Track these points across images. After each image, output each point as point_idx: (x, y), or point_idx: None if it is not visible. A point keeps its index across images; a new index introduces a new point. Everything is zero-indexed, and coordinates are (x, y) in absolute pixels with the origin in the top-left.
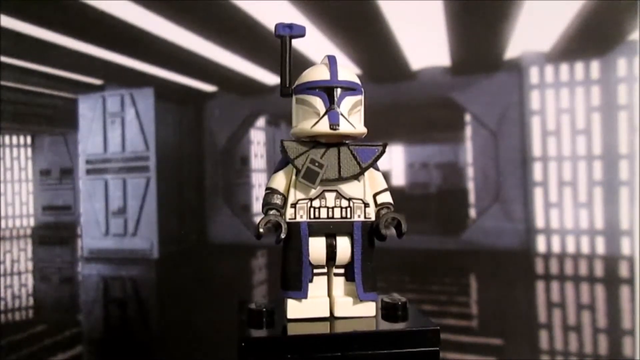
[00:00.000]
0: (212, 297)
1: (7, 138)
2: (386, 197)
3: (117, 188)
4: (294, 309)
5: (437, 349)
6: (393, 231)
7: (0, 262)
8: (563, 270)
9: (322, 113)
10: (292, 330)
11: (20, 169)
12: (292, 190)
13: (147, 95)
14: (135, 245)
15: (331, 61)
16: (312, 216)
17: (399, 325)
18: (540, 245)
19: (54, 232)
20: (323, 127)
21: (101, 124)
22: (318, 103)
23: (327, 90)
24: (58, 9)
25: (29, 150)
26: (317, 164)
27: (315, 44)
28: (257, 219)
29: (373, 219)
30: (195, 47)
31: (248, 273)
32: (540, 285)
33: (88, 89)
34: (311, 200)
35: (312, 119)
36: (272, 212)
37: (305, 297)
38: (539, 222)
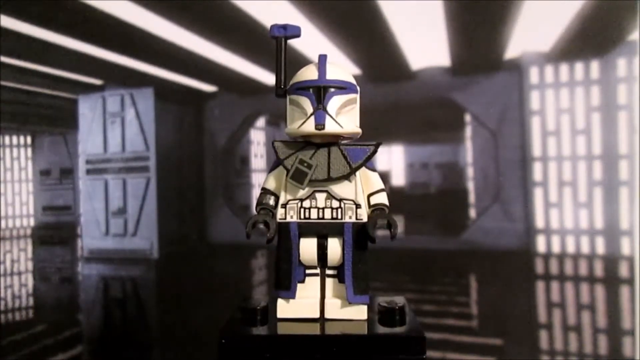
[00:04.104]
0: (212, 297)
1: (7, 138)
2: (380, 198)
3: (117, 188)
4: (283, 308)
5: (423, 357)
6: (388, 232)
7: (0, 262)
8: (563, 270)
9: (309, 113)
10: (280, 329)
11: (20, 169)
12: (282, 191)
13: (147, 95)
14: (135, 245)
15: (320, 61)
16: (302, 217)
17: (386, 330)
18: (540, 245)
19: (54, 232)
20: (309, 127)
21: (101, 124)
22: (306, 103)
23: (315, 90)
24: (58, 9)
25: (29, 150)
26: (305, 165)
27: (315, 44)
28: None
29: (365, 220)
30: (195, 47)
31: (248, 273)
32: (540, 285)
33: (88, 89)
34: (301, 200)
35: (301, 119)
36: (262, 212)
37: (294, 297)
38: (539, 222)
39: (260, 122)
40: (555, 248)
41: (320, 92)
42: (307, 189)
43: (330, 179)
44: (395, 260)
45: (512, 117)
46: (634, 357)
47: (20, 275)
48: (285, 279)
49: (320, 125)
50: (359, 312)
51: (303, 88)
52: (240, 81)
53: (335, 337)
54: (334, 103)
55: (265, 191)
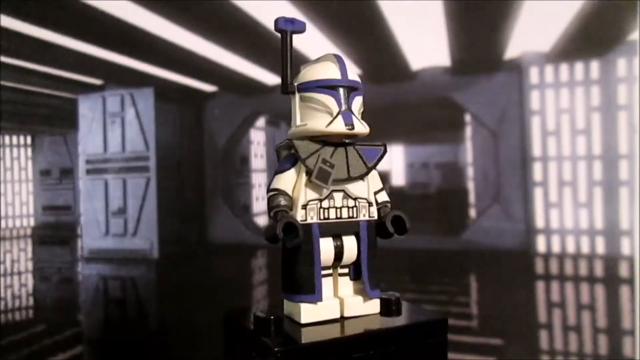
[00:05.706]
0: (212, 297)
1: (7, 138)
2: (385, 196)
3: (117, 188)
4: (308, 313)
5: (445, 338)
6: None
7: (0, 262)
8: (563, 270)
9: (335, 113)
10: (308, 336)
11: (20, 169)
12: (303, 191)
13: (147, 95)
14: (135, 245)
15: (340, 60)
16: (321, 217)
17: (387, 320)
18: (540, 245)
19: (54, 232)
20: (339, 126)
21: (101, 124)
22: (331, 102)
23: (338, 90)
24: (58, 9)
25: (29, 150)
26: (328, 164)
27: (315, 44)
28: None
29: (375, 217)
30: (195, 47)
31: (248, 273)
32: (540, 285)
33: (88, 89)
34: (321, 201)
35: (324, 118)
36: (280, 214)
37: (321, 300)
38: (539, 222)
39: (260, 122)
40: (555, 248)
41: (343, 91)
42: (326, 189)
43: (350, 179)
44: (396, 260)
45: (512, 117)
46: (634, 357)
47: (20, 275)
48: (307, 282)
49: (350, 125)
50: (374, 306)
51: (326, 87)
52: (240, 81)
53: (374, 333)
54: (356, 104)
55: (278, 192)
